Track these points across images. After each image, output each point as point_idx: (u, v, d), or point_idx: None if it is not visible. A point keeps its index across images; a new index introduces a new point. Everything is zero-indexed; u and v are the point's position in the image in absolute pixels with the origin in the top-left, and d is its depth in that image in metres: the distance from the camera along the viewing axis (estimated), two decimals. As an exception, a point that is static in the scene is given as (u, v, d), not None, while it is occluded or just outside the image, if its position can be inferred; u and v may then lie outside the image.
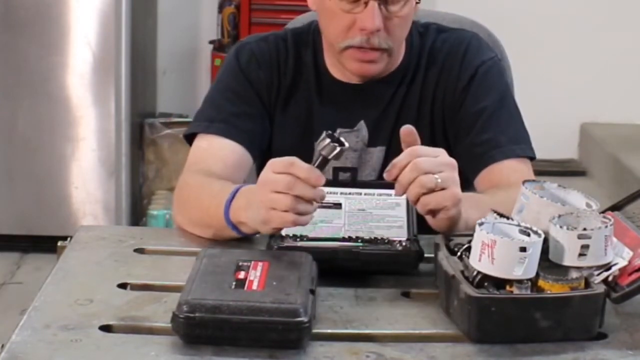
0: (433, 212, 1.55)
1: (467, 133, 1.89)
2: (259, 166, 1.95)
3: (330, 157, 1.52)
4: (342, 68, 1.92)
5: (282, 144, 1.94)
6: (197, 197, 1.75)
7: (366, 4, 1.80)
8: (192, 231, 1.76)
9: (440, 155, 1.54)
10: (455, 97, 1.91)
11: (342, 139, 1.53)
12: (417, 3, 1.86)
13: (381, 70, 1.88)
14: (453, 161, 1.54)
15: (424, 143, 1.90)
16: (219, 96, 1.95)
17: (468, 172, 1.87)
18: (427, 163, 1.52)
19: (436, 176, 1.51)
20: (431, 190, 1.52)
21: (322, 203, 1.56)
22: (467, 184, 1.88)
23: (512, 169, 1.83)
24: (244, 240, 1.75)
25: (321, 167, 1.52)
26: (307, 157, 1.88)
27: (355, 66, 1.87)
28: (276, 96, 1.95)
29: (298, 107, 1.95)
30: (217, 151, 1.87)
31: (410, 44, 1.95)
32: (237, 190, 1.65)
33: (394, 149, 1.89)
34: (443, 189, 1.52)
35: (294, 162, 1.51)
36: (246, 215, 1.62)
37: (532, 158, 1.88)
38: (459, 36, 1.96)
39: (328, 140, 1.52)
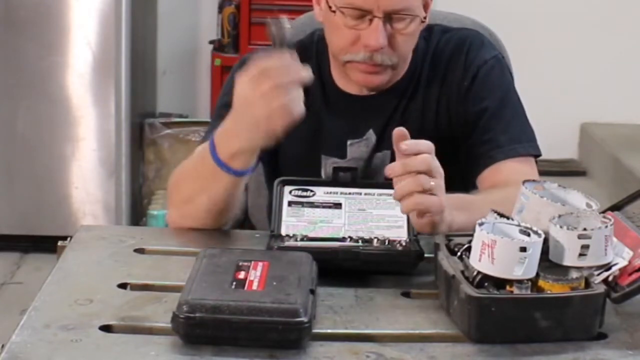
0: (418, 212, 1.56)
1: (469, 133, 1.89)
2: (267, 172, 1.96)
3: (285, 37, 1.60)
4: (348, 79, 1.92)
5: (289, 153, 1.93)
6: (184, 172, 1.77)
7: (371, 21, 1.79)
8: (186, 212, 1.74)
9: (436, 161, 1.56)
10: (459, 98, 1.91)
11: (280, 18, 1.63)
12: (422, 21, 1.86)
13: (387, 81, 1.88)
14: (442, 170, 1.57)
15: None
16: (223, 109, 1.94)
17: (470, 172, 1.88)
18: (433, 163, 1.54)
19: (432, 182, 1.53)
20: (423, 191, 1.53)
21: (322, 203, 1.57)
22: (468, 183, 1.89)
23: (512, 169, 1.83)
24: (244, 240, 1.75)
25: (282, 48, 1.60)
26: (315, 167, 1.90)
27: (360, 77, 1.87)
28: None
29: (305, 119, 1.95)
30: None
31: (415, 50, 1.94)
32: (212, 137, 1.68)
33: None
34: (433, 194, 1.54)
35: (265, 68, 1.58)
36: (239, 142, 1.63)
37: (537, 156, 1.88)
38: (461, 36, 1.96)
39: (273, 27, 1.61)
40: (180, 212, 1.77)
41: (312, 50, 1.97)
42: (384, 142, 1.93)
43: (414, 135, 1.92)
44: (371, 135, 1.93)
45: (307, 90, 1.95)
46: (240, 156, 1.65)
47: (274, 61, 1.58)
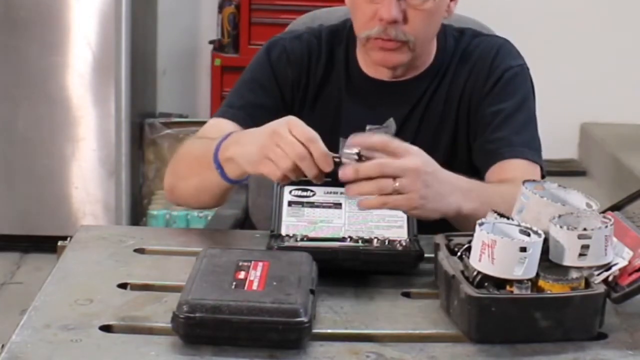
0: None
1: (483, 130, 1.91)
2: None
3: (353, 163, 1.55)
4: (373, 63, 1.94)
5: None
6: (188, 151, 1.82)
7: None
8: (177, 186, 1.81)
9: (406, 157, 1.55)
10: (480, 98, 1.94)
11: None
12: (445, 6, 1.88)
13: (405, 62, 1.90)
14: (417, 165, 1.55)
15: (445, 141, 1.92)
16: (243, 86, 1.98)
17: (480, 167, 1.89)
18: (389, 167, 1.53)
19: (396, 184, 1.53)
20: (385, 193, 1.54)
21: (322, 203, 1.57)
22: (478, 178, 1.89)
23: (521, 169, 1.84)
24: (244, 240, 1.75)
25: (338, 164, 1.55)
26: (333, 150, 1.91)
27: (378, 56, 1.89)
28: (303, 95, 1.97)
29: (327, 103, 1.97)
30: (221, 128, 1.87)
31: (443, 47, 1.97)
32: (230, 133, 1.70)
33: (417, 144, 1.90)
34: (401, 193, 1.54)
35: (315, 140, 1.55)
36: (234, 150, 1.65)
37: (541, 168, 1.89)
38: (491, 41, 2.00)
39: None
40: (173, 183, 1.84)
41: (343, 35, 1.99)
42: (404, 134, 1.94)
43: (433, 130, 1.94)
44: (391, 124, 1.95)
45: (332, 74, 1.97)
46: (232, 163, 1.67)
47: (321, 160, 1.55)
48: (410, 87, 1.96)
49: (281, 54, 1.97)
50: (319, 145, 1.55)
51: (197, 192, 1.78)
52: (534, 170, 1.86)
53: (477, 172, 1.91)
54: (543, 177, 1.88)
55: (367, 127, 1.94)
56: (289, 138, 1.55)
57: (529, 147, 1.89)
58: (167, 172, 1.87)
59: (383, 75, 1.95)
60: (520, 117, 1.92)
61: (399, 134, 1.94)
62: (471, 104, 1.94)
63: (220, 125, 1.89)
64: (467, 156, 1.95)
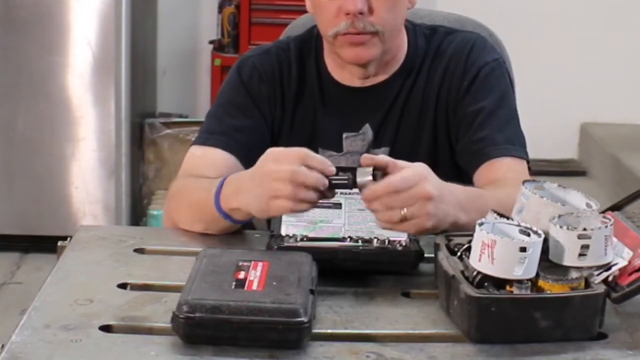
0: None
1: (466, 131, 1.90)
2: None
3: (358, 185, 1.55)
4: (343, 68, 1.93)
5: (289, 146, 1.93)
6: (187, 196, 1.77)
7: None
8: (181, 228, 1.77)
9: (414, 187, 1.53)
10: (458, 97, 1.92)
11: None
12: None
13: (377, 55, 1.88)
14: (427, 192, 1.53)
15: (425, 143, 1.92)
16: (220, 110, 1.96)
17: (467, 169, 1.89)
18: (396, 201, 1.52)
19: (404, 210, 1.52)
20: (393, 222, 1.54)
21: (322, 203, 1.58)
22: (463, 181, 1.89)
23: (508, 167, 1.84)
24: (244, 240, 1.75)
25: (336, 183, 1.55)
26: None
27: (349, 53, 1.87)
28: (281, 108, 1.95)
29: (304, 115, 1.96)
30: (210, 159, 1.87)
31: (414, 46, 1.96)
32: (224, 180, 1.68)
33: (397, 149, 1.90)
34: (409, 219, 1.53)
35: (305, 153, 1.55)
36: (238, 200, 1.64)
37: (527, 162, 1.89)
38: (464, 37, 1.97)
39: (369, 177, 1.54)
40: (176, 226, 1.79)
41: (312, 44, 1.99)
42: (383, 139, 1.94)
43: (412, 133, 1.93)
44: (367, 130, 1.94)
45: (306, 85, 1.96)
46: (239, 212, 1.67)
47: (316, 163, 1.55)
48: (383, 90, 1.94)
49: (252, 72, 1.95)
50: (312, 157, 1.55)
51: (206, 232, 1.75)
52: (521, 167, 1.86)
53: (460, 172, 1.91)
54: (529, 169, 1.88)
55: (344, 136, 1.94)
56: (279, 168, 1.54)
57: (513, 144, 1.87)
58: (166, 215, 1.84)
59: (354, 79, 1.94)
60: (502, 114, 1.90)
61: (376, 139, 1.94)
62: (449, 104, 1.92)
63: (209, 156, 1.87)
64: (449, 157, 1.93)
